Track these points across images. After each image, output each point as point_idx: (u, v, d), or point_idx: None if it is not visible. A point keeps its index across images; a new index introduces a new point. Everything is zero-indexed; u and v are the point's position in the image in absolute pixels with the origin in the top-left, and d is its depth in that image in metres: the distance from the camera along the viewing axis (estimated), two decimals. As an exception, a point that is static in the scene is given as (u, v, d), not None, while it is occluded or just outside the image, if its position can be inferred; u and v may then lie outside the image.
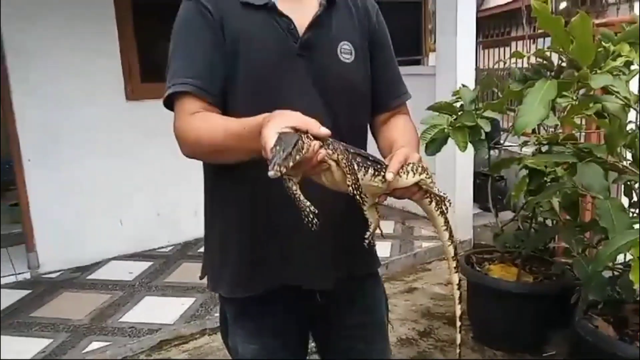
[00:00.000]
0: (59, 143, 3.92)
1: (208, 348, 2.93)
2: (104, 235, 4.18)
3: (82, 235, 4.08)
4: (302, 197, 0.98)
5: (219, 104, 1.17)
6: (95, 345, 2.93)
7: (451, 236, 1.19)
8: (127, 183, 4.21)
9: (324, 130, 0.95)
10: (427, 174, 1.10)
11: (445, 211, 1.16)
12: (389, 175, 1.03)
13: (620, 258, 2.22)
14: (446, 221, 1.17)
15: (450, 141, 2.35)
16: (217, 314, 3.20)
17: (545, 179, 2.26)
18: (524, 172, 2.43)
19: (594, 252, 2.34)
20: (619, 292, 2.20)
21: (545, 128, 2.64)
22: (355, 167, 1.01)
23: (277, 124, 0.93)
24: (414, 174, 1.07)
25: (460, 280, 1.26)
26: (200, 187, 1.35)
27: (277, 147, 0.88)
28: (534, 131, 2.60)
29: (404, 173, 1.06)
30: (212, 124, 1.11)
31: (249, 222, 1.26)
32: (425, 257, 4.14)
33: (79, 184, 4.03)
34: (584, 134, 2.69)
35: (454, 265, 1.22)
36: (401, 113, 1.36)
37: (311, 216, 0.97)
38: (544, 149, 2.38)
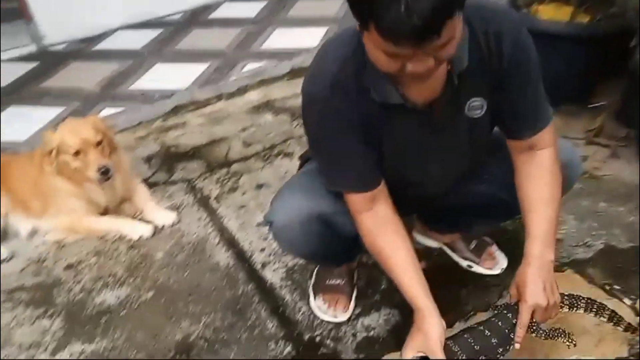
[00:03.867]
0: None
1: (225, 112, 2.78)
2: (106, 5, 3.80)
3: (83, 4, 3.71)
4: None
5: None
6: (108, 111, 2.81)
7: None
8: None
9: None
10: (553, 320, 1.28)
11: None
12: (517, 346, 1.21)
13: None
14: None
15: None
16: (233, 78, 3.02)
17: None
18: None
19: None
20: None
21: None
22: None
23: (416, 345, 1.17)
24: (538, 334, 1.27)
25: None
26: None
27: None
28: None
29: (532, 332, 1.26)
30: (388, 258, 1.25)
31: None
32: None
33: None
34: None
35: None
36: (540, 147, 1.25)
37: None
38: None
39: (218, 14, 4.01)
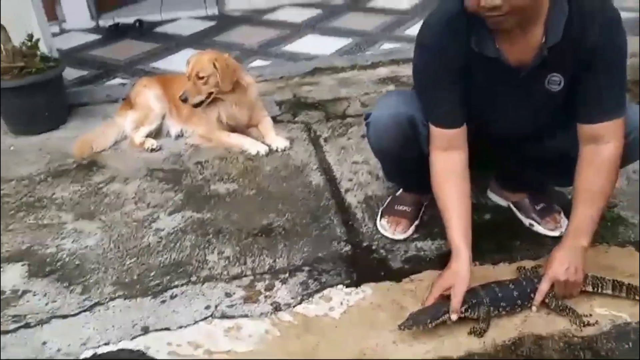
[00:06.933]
0: None
1: (354, 79, 3.08)
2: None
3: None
4: None
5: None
6: (259, 63, 3.28)
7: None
8: None
9: (453, 317, 1.36)
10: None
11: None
12: (534, 309, 1.42)
13: None
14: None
15: None
16: (369, 53, 3.32)
17: None
18: None
19: None
20: None
21: None
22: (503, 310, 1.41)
23: (443, 284, 1.40)
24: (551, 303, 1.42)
25: None
26: None
27: (415, 315, 1.36)
28: None
29: (546, 300, 1.42)
30: (445, 202, 1.47)
31: None
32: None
33: None
34: None
35: None
36: (606, 140, 1.36)
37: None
38: None
39: (376, 3, 4.35)
